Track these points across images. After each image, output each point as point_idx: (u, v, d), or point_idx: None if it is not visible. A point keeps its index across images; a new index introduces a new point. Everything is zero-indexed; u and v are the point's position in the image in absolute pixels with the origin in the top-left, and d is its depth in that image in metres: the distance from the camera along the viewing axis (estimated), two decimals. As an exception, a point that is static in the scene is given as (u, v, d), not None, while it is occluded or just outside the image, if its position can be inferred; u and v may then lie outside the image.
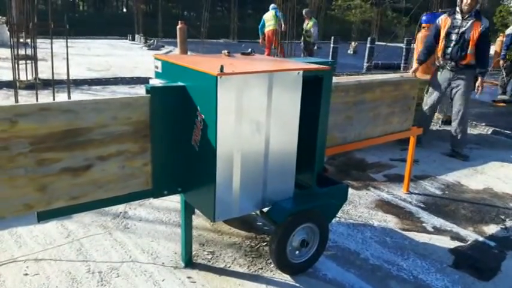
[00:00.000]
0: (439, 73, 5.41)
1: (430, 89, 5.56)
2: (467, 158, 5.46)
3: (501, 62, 9.71)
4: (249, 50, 3.09)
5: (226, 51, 2.90)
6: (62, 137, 2.13)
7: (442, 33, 5.19)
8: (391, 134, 3.84)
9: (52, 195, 2.19)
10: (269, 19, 11.71)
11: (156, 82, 2.61)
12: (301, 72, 2.50)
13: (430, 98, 5.55)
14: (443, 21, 5.21)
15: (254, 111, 2.38)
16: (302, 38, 12.17)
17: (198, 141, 2.41)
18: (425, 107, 5.57)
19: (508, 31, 9.55)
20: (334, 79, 3.44)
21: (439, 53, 5.30)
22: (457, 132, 5.43)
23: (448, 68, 5.27)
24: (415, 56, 6.36)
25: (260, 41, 12.22)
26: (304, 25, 12.05)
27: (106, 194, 2.35)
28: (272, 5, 11.85)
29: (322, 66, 2.70)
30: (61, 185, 2.20)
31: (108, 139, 2.27)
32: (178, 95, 2.42)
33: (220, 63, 2.25)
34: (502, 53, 9.63)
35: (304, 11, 12.23)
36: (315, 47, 12.18)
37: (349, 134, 3.50)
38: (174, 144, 2.48)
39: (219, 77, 2.16)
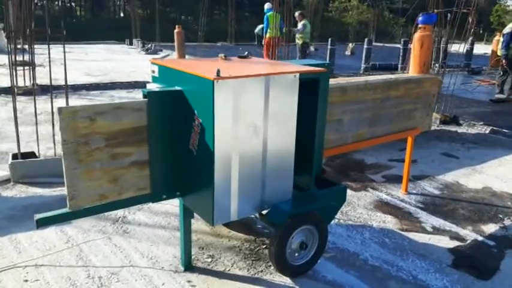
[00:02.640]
0: None
1: None
2: None
3: (503, 61, 9.60)
4: (246, 53, 3.10)
5: (222, 54, 2.91)
6: (132, 133, 2.33)
7: None
8: (395, 134, 3.91)
9: (123, 186, 2.38)
10: (272, 22, 11.38)
11: (153, 86, 2.62)
12: (297, 75, 2.51)
13: None
14: None
15: (251, 115, 2.39)
16: (297, 41, 12.11)
17: (196, 145, 2.41)
18: None
19: (505, 30, 9.53)
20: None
21: None
22: None
23: None
24: (412, 57, 6.34)
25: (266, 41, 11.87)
26: (298, 27, 12.00)
27: None
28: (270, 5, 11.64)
29: (318, 68, 2.71)
30: (130, 177, 2.40)
31: None
32: (175, 99, 2.43)
33: (216, 67, 2.26)
34: (503, 52, 9.52)
35: (297, 13, 12.16)
36: (312, 49, 12.13)
37: (377, 129, 3.67)
38: (172, 148, 2.49)
39: (215, 81, 2.17)
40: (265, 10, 11.88)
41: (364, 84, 3.43)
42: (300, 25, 11.84)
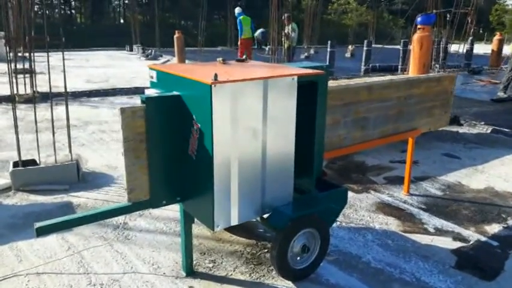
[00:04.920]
0: None
1: None
2: None
3: None
4: (244, 56, 3.10)
5: (221, 58, 2.91)
6: None
7: None
8: (398, 134, 3.95)
9: None
10: (246, 24, 11.96)
11: (151, 92, 2.62)
12: (295, 77, 2.50)
13: None
14: None
15: (250, 118, 2.38)
16: (283, 43, 12.13)
17: (195, 150, 2.40)
18: None
19: None
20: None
21: None
22: None
23: None
24: (412, 58, 6.35)
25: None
26: (286, 30, 12.06)
27: None
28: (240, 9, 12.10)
29: (316, 71, 2.70)
30: None
31: None
32: (173, 104, 2.43)
33: (214, 71, 2.26)
34: None
35: (285, 16, 12.17)
36: (311, 52, 12.21)
37: (400, 125, 3.81)
38: (171, 153, 2.48)
39: (213, 85, 2.16)
40: (236, 14, 12.33)
41: (389, 82, 3.61)
42: (291, 31, 11.97)
